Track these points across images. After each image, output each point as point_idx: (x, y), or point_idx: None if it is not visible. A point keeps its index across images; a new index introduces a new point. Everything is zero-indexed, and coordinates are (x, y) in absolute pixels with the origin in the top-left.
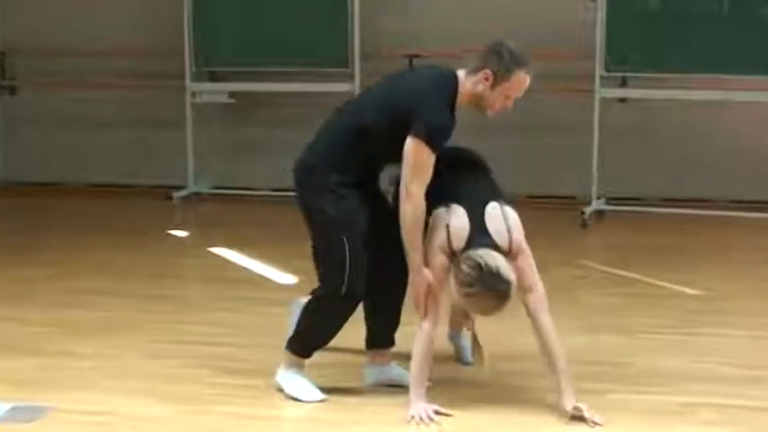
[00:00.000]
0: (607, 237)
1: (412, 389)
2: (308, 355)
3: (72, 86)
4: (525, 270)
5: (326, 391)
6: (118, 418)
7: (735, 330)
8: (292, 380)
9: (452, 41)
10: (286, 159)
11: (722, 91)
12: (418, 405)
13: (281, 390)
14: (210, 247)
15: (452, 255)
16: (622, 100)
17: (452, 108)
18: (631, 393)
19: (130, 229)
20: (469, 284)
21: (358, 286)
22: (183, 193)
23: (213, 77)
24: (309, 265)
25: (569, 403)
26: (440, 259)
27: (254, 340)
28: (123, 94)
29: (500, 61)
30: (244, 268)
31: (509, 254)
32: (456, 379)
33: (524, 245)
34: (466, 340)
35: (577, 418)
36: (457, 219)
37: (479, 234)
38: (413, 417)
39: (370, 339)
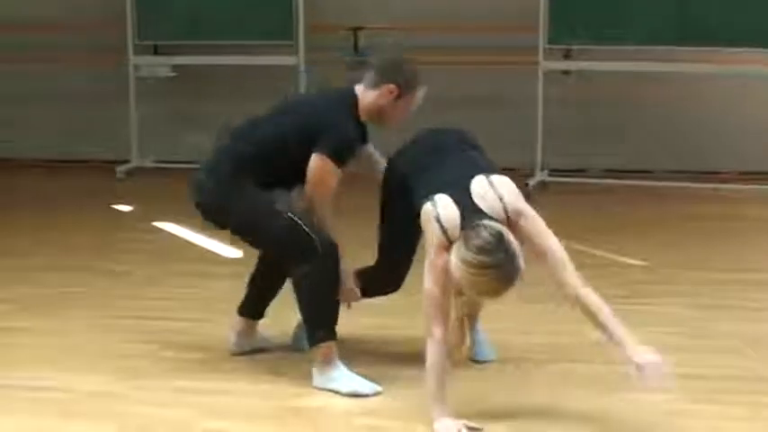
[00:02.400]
0: (551, 208)
1: (432, 405)
2: (334, 335)
3: (13, 61)
4: (533, 233)
5: None
6: (71, 394)
7: (678, 299)
8: (343, 378)
9: (396, 15)
10: None
11: (664, 63)
12: (444, 422)
13: (332, 391)
14: (156, 221)
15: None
16: (566, 72)
17: (358, 122)
18: (578, 363)
19: (75, 204)
20: (483, 252)
21: (325, 234)
22: (127, 167)
23: (156, 51)
24: None
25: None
26: (442, 259)
27: (202, 314)
28: (65, 68)
29: (404, 77)
30: (190, 242)
31: (508, 222)
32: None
33: (523, 206)
34: (482, 335)
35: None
36: (444, 208)
37: (471, 215)
38: None
39: (247, 307)
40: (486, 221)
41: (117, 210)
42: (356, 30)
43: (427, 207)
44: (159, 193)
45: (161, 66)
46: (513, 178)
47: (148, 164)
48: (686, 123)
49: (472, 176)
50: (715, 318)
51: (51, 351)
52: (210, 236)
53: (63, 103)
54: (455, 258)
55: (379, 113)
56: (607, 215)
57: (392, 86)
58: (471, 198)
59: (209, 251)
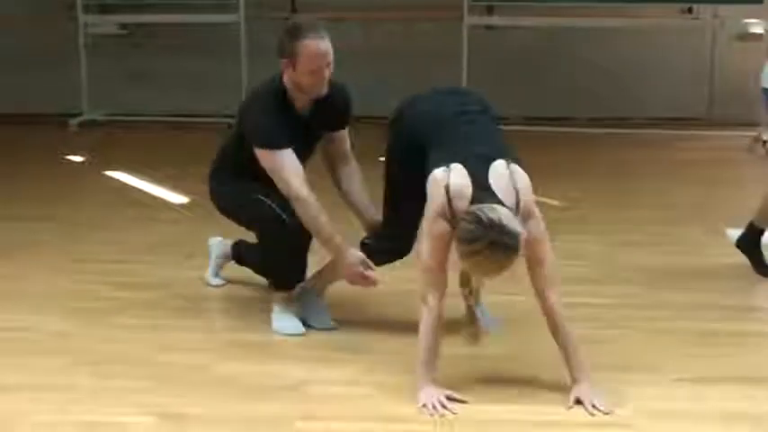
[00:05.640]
0: None
1: (420, 372)
2: (289, 287)
3: None
4: (536, 238)
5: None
6: (25, 332)
7: (592, 236)
8: (277, 314)
9: None
10: (177, 87)
11: (582, 18)
12: (428, 391)
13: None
14: (107, 170)
15: (454, 218)
16: (489, 27)
17: (287, 104)
18: (495, 295)
19: (27, 156)
20: (470, 241)
21: (288, 211)
22: (79, 120)
23: (104, 10)
24: (200, 187)
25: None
26: (439, 226)
27: (151, 257)
28: (17, 27)
29: (282, 44)
30: (139, 190)
31: (517, 217)
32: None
33: (534, 207)
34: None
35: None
36: (456, 177)
37: (482, 192)
38: (424, 405)
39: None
40: (482, 205)
41: (70, 161)
42: None
43: (440, 172)
44: (110, 144)
45: (108, 24)
46: None
47: (100, 117)
48: (603, 73)
49: (495, 157)
50: (621, 252)
51: (1, 294)
52: (159, 184)
53: (16, 59)
54: (457, 252)
55: (297, 88)
56: (528, 160)
57: (284, 60)
58: (488, 178)
59: (157, 197)
